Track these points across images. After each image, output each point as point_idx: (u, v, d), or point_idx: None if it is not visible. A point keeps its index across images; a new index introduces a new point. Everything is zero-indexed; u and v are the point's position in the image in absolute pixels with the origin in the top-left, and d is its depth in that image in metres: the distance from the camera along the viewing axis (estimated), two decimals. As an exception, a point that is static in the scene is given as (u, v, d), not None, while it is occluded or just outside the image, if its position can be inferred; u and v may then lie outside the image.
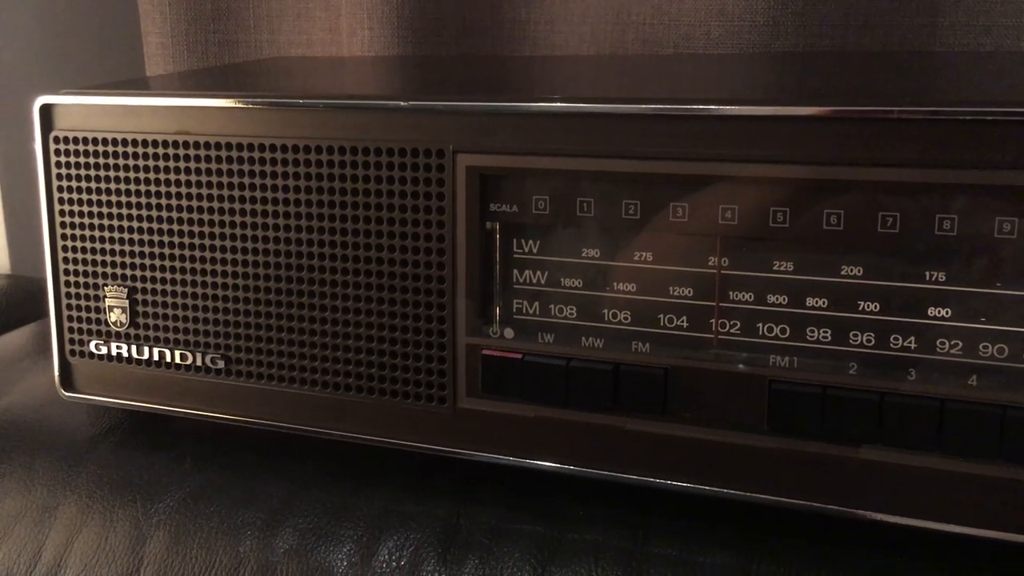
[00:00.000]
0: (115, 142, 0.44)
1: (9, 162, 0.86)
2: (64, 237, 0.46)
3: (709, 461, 0.38)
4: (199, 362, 0.44)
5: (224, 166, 0.42)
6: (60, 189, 0.45)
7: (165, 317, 0.45)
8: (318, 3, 0.76)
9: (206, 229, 0.43)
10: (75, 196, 0.45)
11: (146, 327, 0.45)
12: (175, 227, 0.43)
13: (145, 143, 0.43)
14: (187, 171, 0.43)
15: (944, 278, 0.34)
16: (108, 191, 0.44)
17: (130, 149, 0.44)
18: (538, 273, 0.40)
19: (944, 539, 0.36)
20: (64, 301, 0.46)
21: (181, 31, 0.77)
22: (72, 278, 0.46)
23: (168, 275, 0.44)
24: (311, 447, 0.45)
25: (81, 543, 0.43)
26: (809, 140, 0.34)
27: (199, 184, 0.43)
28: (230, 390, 0.44)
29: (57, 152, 0.45)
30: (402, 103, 0.39)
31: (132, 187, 0.44)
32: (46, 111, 0.45)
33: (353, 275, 0.41)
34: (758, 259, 0.36)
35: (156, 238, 0.44)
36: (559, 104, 0.37)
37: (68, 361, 0.47)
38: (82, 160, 0.44)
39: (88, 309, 0.46)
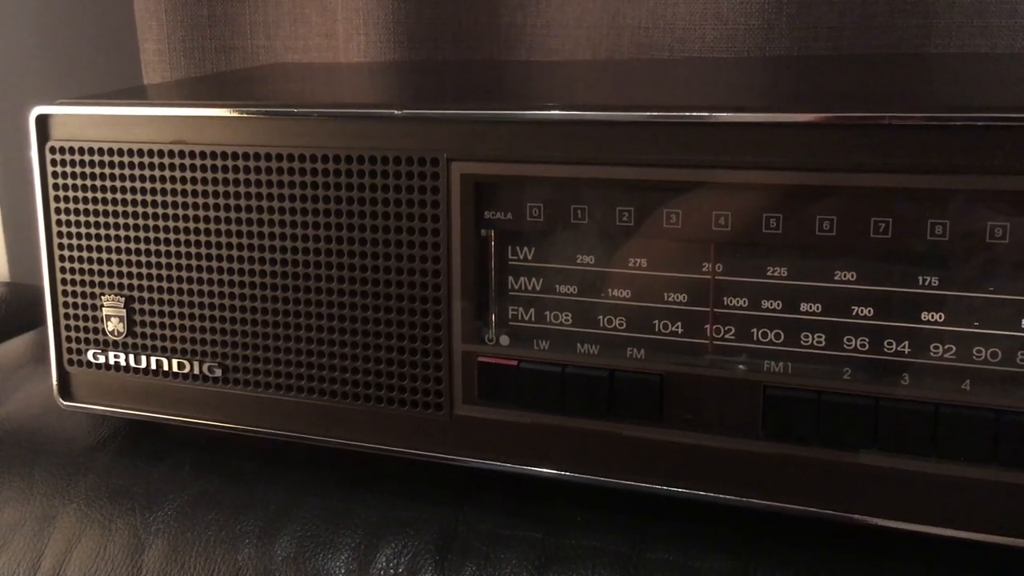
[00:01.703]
0: (111, 152, 0.44)
1: (7, 171, 0.86)
2: (61, 247, 0.46)
3: (705, 466, 0.38)
4: (196, 371, 0.45)
5: (220, 175, 0.42)
6: (57, 199, 0.45)
7: (162, 326, 0.45)
8: (314, 9, 0.77)
9: (202, 238, 0.43)
10: (72, 206, 0.45)
11: (143, 336, 0.45)
12: (172, 236, 0.44)
13: (141, 152, 0.43)
14: (183, 180, 0.43)
15: (937, 283, 0.34)
16: (105, 200, 0.44)
17: (126, 159, 0.44)
18: (533, 280, 0.40)
19: (939, 543, 0.36)
20: (61, 310, 0.46)
21: (178, 38, 0.77)
22: (69, 287, 0.46)
23: (165, 284, 0.44)
24: (308, 455, 0.45)
25: (80, 552, 0.43)
26: (802, 146, 0.34)
27: (195, 193, 0.43)
28: (227, 398, 0.44)
29: (53, 162, 0.45)
30: (396, 112, 0.40)
31: (129, 196, 0.44)
32: (42, 121, 0.45)
33: (349, 283, 0.41)
34: (752, 265, 0.36)
35: (153, 247, 0.44)
36: (553, 112, 0.37)
37: (66, 370, 0.47)
38: (79, 170, 0.45)
39: (85, 318, 0.46)
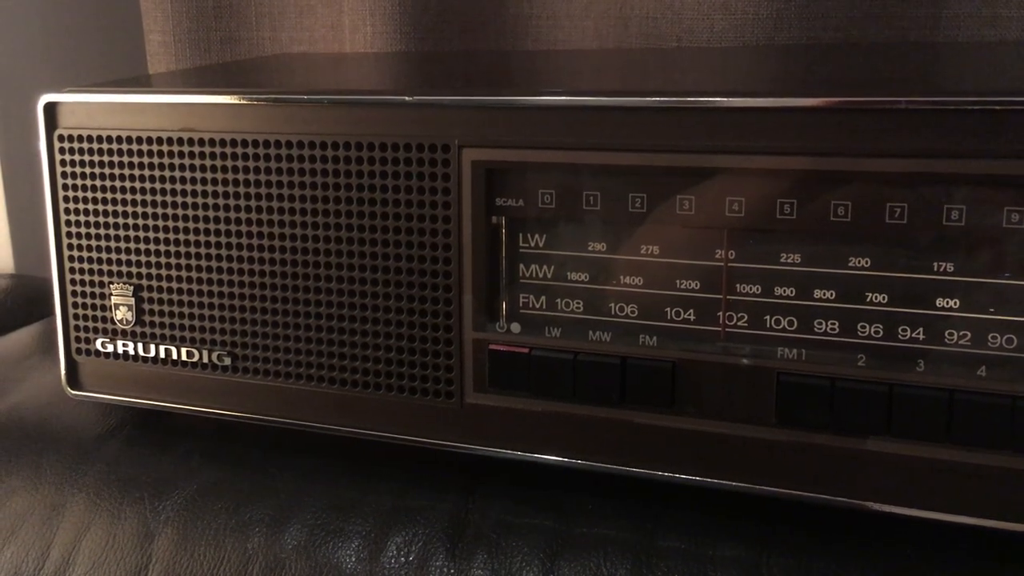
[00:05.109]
0: (119, 139, 0.44)
1: (12, 161, 0.86)
2: (69, 235, 0.45)
3: (717, 454, 0.38)
4: (205, 359, 0.44)
5: (228, 163, 0.42)
6: (65, 187, 0.45)
7: (171, 314, 0.45)
8: (320, 0, 0.76)
9: (211, 226, 0.43)
10: (80, 194, 0.45)
11: (152, 324, 0.45)
12: (180, 224, 0.43)
13: (150, 140, 0.43)
14: (192, 168, 0.43)
15: (952, 269, 0.34)
16: (113, 189, 0.44)
17: (134, 146, 0.43)
18: (544, 267, 0.40)
19: (953, 530, 0.35)
20: (70, 299, 0.46)
21: (183, 29, 0.77)
22: (78, 276, 0.46)
23: (174, 272, 0.44)
24: (318, 443, 0.45)
25: (89, 541, 0.43)
26: (816, 131, 0.34)
27: (204, 181, 0.43)
28: (237, 387, 0.44)
29: (61, 150, 0.45)
30: (407, 98, 0.39)
31: (137, 184, 0.44)
32: (50, 109, 0.45)
33: (359, 271, 0.41)
34: (765, 251, 0.36)
35: (161, 235, 0.44)
36: (565, 98, 0.37)
37: (74, 359, 0.47)
38: (87, 158, 0.44)
39: (94, 307, 0.46)
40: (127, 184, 0.44)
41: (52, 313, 0.47)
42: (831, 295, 0.36)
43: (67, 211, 0.45)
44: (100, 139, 0.44)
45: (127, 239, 0.45)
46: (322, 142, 0.40)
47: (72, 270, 0.46)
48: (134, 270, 0.45)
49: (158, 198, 0.44)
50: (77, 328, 0.47)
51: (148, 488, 0.44)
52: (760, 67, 0.50)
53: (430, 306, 0.40)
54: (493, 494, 0.41)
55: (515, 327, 0.40)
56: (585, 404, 0.39)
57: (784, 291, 0.36)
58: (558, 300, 0.40)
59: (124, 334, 0.46)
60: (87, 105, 0.44)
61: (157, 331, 0.45)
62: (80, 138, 0.44)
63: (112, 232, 0.45)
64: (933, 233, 0.34)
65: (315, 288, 0.42)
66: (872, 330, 0.35)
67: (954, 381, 0.34)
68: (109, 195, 0.44)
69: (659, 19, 0.66)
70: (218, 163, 0.42)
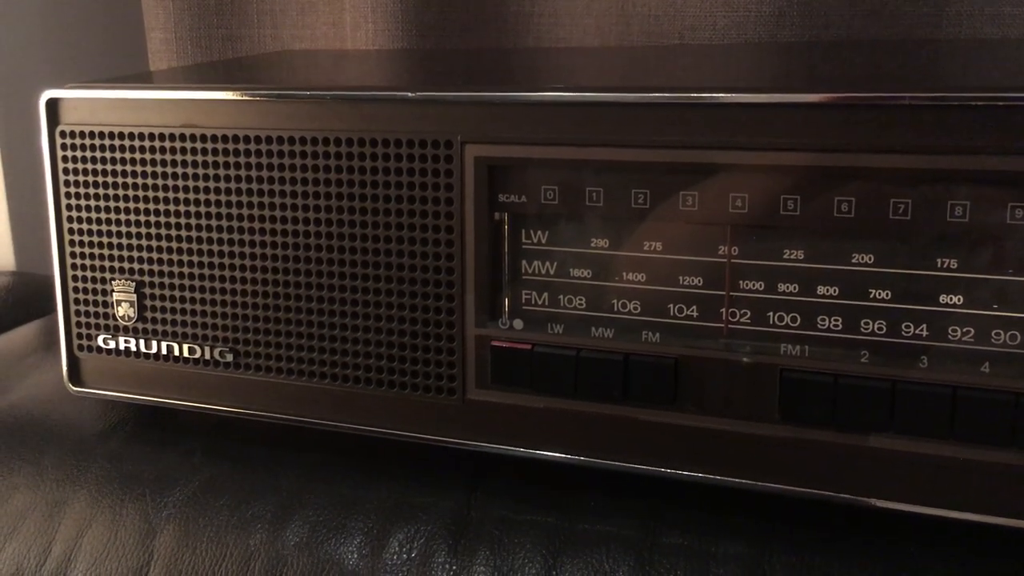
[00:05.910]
0: (122, 136, 0.44)
1: (13, 157, 0.86)
2: (71, 232, 0.45)
3: (720, 451, 0.38)
4: (207, 356, 0.44)
5: (231, 159, 0.42)
6: (67, 183, 0.45)
7: (173, 311, 0.45)
8: (321, -3, 0.76)
9: (213, 222, 0.43)
10: (82, 190, 0.45)
11: (154, 321, 0.45)
12: (182, 220, 0.43)
13: (152, 136, 0.43)
14: (194, 164, 0.43)
15: (956, 265, 0.34)
16: (115, 185, 0.44)
17: (137, 142, 0.43)
18: (547, 264, 0.40)
19: (956, 527, 0.35)
20: (72, 296, 0.46)
21: (184, 26, 0.77)
22: (80, 272, 0.46)
23: (176, 268, 0.44)
24: (320, 440, 0.45)
25: (91, 537, 0.43)
26: (820, 127, 0.34)
27: (206, 177, 0.43)
28: (238, 383, 0.44)
29: (64, 146, 0.45)
30: (410, 94, 0.39)
31: (139, 180, 0.44)
32: (52, 105, 0.45)
33: (361, 267, 0.41)
34: (768, 247, 0.36)
35: (163, 231, 0.44)
36: (568, 94, 0.37)
37: (76, 356, 0.47)
38: (89, 154, 0.44)
39: (96, 303, 0.46)
40: (129, 180, 0.44)
41: (54, 310, 0.47)
42: (834, 291, 0.36)
43: (69, 207, 0.45)
44: (102, 135, 0.44)
45: (129, 235, 0.44)
46: (324, 138, 0.40)
47: (74, 266, 0.46)
48: (136, 266, 0.45)
49: (160, 194, 0.44)
50: (79, 324, 0.47)
51: (150, 484, 0.44)
52: (762, 64, 0.50)
53: (432, 302, 0.40)
54: (495, 491, 0.41)
55: (517, 323, 0.40)
56: (587, 401, 0.39)
57: (787, 287, 0.36)
58: (560, 296, 0.40)
59: (126, 330, 0.46)
60: (89, 101, 0.44)
61: (159, 327, 0.45)
62: (82, 134, 0.44)
63: (114, 228, 0.45)
64: (936, 229, 0.34)
65: (317, 284, 0.42)
66: (875, 326, 0.35)
67: (957, 378, 0.34)
68: (111, 191, 0.44)
69: (661, 17, 0.66)
70: (220, 159, 0.42)
